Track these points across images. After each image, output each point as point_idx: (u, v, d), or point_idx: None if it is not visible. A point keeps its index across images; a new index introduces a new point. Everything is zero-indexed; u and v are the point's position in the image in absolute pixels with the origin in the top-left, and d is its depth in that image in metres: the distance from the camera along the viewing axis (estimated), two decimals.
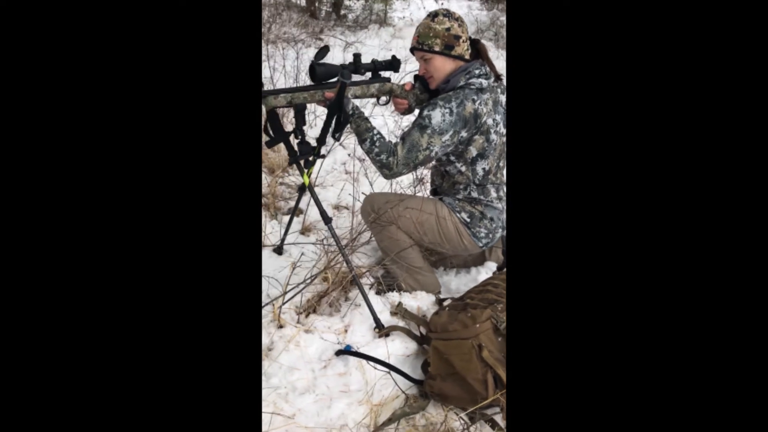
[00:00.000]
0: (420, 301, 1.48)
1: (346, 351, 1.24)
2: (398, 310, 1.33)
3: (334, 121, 1.23)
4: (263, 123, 1.27)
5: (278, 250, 1.73)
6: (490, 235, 1.49)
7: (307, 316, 1.38)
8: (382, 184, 2.14)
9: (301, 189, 1.51)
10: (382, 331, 1.30)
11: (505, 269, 1.70)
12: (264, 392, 1.14)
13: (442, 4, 5.85)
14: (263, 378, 1.19)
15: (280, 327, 1.35)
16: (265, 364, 1.24)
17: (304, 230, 1.91)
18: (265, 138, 1.28)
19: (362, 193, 2.04)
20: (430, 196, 1.58)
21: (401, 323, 1.36)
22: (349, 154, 2.44)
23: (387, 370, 1.16)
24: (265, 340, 1.31)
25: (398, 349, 1.27)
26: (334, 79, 1.28)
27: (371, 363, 1.16)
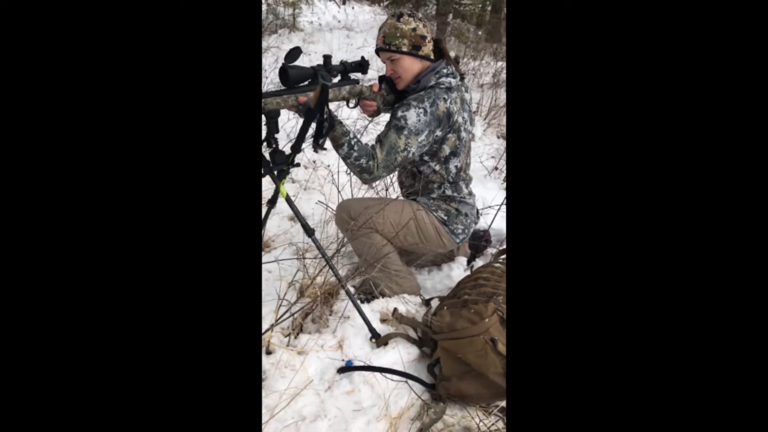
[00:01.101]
0: (405, 305, 1.46)
1: (349, 367, 1.18)
2: (395, 316, 1.29)
3: (314, 127, 1.16)
4: None
5: None
6: (466, 231, 1.51)
7: (296, 336, 1.29)
8: (348, 192, 2.08)
9: (271, 201, 1.41)
10: (379, 340, 1.26)
11: (475, 263, 1.75)
12: (272, 427, 1.04)
13: (353, 7, 5.88)
14: (265, 411, 1.08)
15: (269, 353, 1.24)
16: (263, 396, 1.13)
17: (263, 246, 1.78)
18: None
19: (320, 201, 1.97)
20: (401, 198, 1.57)
21: (392, 329, 1.33)
22: (314, 161, 2.34)
23: (401, 378, 1.12)
24: None
25: (402, 356, 1.23)
26: (306, 83, 1.21)
27: (385, 375, 1.11)
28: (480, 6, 7.13)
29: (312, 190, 2.17)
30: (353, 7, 5.90)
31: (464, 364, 1.10)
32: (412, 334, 1.32)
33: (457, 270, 1.72)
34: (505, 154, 2.44)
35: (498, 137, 2.94)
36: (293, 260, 1.60)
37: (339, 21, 6.56)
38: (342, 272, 1.56)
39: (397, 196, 1.78)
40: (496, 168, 2.32)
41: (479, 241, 1.79)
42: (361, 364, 1.18)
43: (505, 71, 4.08)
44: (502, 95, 3.56)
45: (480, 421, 1.06)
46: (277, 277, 1.59)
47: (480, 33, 6.20)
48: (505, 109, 3.14)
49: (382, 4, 8.46)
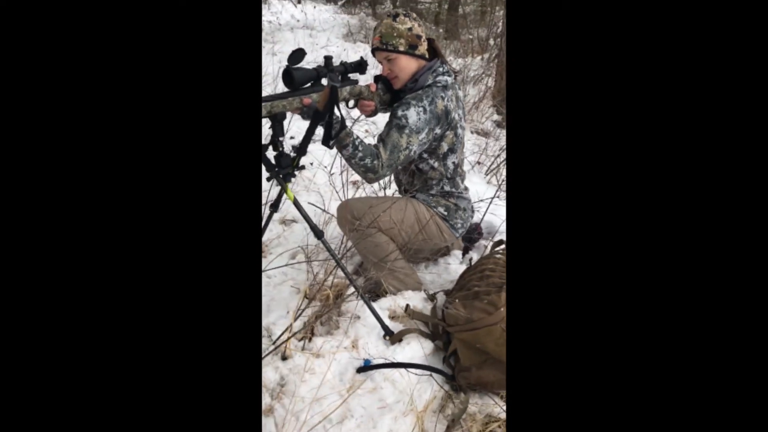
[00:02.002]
0: (409, 301, 1.48)
1: (368, 366, 1.19)
2: (408, 312, 1.31)
3: (324, 129, 1.15)
4: None
5: None
6: (465, 225, 1.55)
7: (310, 340, 1.28)
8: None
9: (273, 206, 1.38)
10: (393, 337, 1.27)
11: (470, 256, 1.79)
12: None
13: (314, 6, 5.82)
14: (291, 417, 1.08)
15: (285, 359, 1.23)
16: (286, 402, 1.12)
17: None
18: None
19: (310, 203, 1.95)
20: (399, 196, 1.59)
21: (402, 326, 1.35)
22: (311, 163, 2.30)
23: (423, 372, 1.14)
24: (274, 376, 1.18)
25: (416, 351, 1.25)
26: (308, 85, 1.21)
27: (409, 369, 1.13)
28: (437, 4, 7.24)
29: (297, 193, 2.15)
30: (315, 6, 5.85)
31: (482, 353, 1.13)
32: (423, 328, 1.34)
33: (454, 263, 1.76)
34: (485, 149, 2.50)
35: (472, 132, 3.01)
36: (293, 265, 1.58)
37: (298, 20, 6.47)
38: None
39: (393, 194, 1.80)
40: (478, 162, 2.38)
41: (472, 233, 1.84)
42: (381, 361, 1.19)
43: (470, 69, 4.18)
44: (470, 91, 3.64)
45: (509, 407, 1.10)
46: (278, 282, 1.57)
47: (440, 31, 6.30)
48: (476, 106, 3.22)
49: (338, 3, 8.42)
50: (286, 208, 2.04)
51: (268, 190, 1.82)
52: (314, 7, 5.84)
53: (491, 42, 5.17)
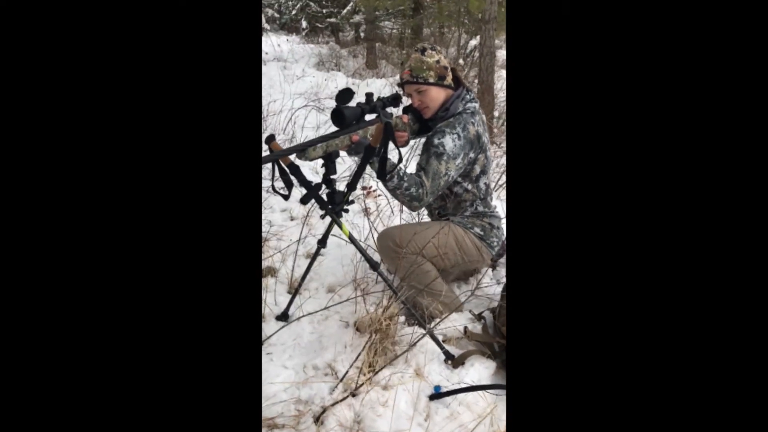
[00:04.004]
0: (454, 323, 1.51)
1: (440, 393, 1.20)
2: (467, 334, 1.33)
3: (378, 163, 1.18)
4: (279, 175, 1.14)
5: (282, 316, 1.54)
6: (500, 242, 1.60)
7: (376, 373, 1.28)
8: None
9: (321, 241, 1.39)
10: (456, 360, 1.29)
11: (501, 272, 1.84)
12: None
13: (287, 40, 5.88)
14: None
15: (354, 395, 1.22)
16: None
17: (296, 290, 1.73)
18: (285, 192, 1.15)
19: (333, 235, 1.95)
20: (432, 221, 1.62)
21: (457, 349, 1.37)
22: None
23: (500, 391, 1.16)
24: (349, 414, 1.17)
25: (482, 371, 1.27)
26: (354, 122, 1.24)
27: (488, 391, 1.15)
28: (401, 29, 7.48)
29: (315, 227, 2.14)
30: (287, 40, 5.91)
31: None
32: (482, 348, 1.36)
33: (487, 280, 1.80)
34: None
35: None
36: (335, 299, 1.58)
37: (266, 53, 6.50)
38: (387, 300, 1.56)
39: (420, 218, 1.83)
40: None
41: (498, 251, 1.89)
42: (450, 387, 1.21)
43: None
44: None
45: None
46: (322, 318, 1.56)
47: (404, 53, 6.50)
48: None
49: (301, 33, 8.53)
50: (311, 243, 2.03)
51: (302, 224, 1.82)
52: (287, 40, 5.90)
53: (461, 62, 5.37)
